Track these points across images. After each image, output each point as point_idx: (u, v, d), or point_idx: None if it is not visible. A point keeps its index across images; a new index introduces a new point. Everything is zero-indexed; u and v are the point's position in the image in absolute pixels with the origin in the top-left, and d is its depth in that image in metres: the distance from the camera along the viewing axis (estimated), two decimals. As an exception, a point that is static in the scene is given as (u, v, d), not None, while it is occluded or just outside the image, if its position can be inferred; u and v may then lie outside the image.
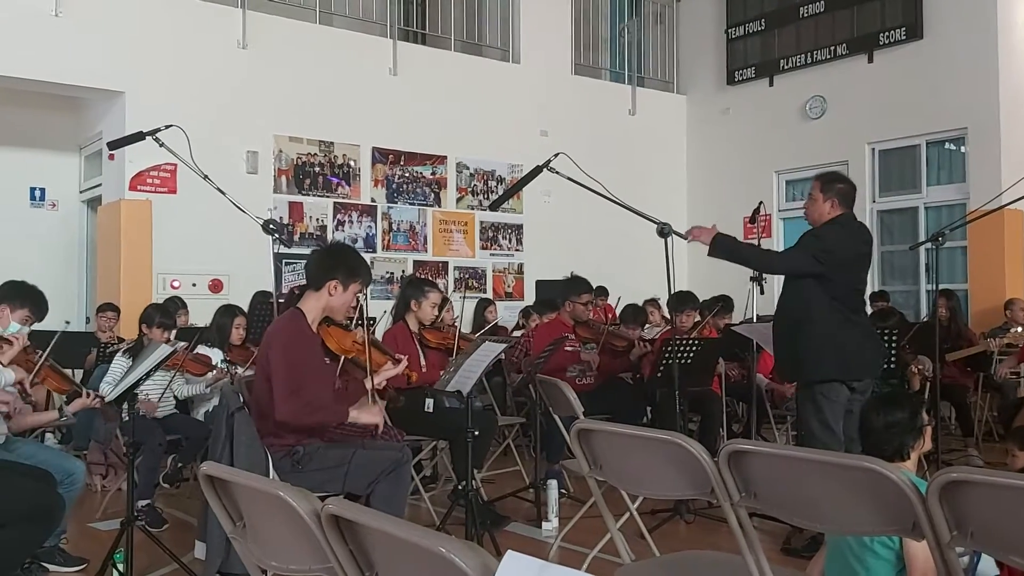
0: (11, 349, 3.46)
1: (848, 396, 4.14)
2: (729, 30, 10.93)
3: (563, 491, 5.11)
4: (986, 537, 1.69)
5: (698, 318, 6.39)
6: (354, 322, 4.12)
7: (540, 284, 9.74)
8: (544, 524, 4.72)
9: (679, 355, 5.10)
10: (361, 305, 4.02)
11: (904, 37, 9.25)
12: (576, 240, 9.80)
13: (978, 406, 7.08)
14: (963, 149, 9.07)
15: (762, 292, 5.54)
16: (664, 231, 4.19)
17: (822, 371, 4.14)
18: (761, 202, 6.49)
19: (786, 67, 10.34)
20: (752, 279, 5.48)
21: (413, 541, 1.28)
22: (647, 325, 7.07)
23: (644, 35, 11.48)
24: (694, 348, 5.49)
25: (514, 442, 6.22)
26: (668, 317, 7.80)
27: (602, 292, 7.98)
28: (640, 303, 7.36)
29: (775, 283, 5.20)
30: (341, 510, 1.45)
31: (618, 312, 7.17)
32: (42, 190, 9.03)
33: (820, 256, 4.13)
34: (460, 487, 4.45)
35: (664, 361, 5.32)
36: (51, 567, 3.86)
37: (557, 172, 4.49)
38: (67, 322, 4.29)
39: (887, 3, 9.42)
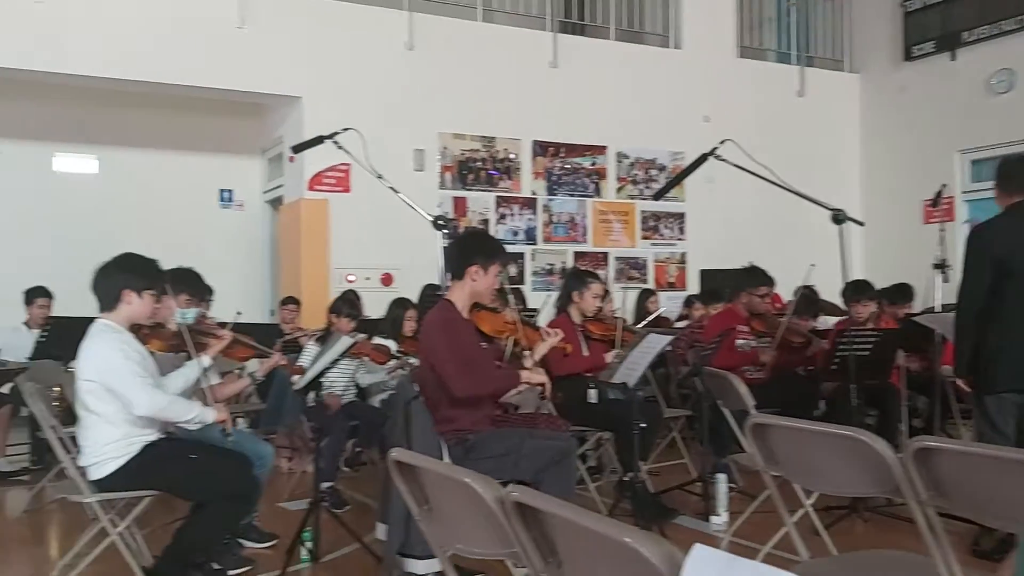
0: (220, 343, 3.74)
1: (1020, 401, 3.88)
2: (906, 2, 10.31)
3: (731, 485, 5.02)
4: None
5: (875, 308, 6.08)
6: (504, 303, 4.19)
7: (705, 274, 9.56)
8: (713, 518, 4.66)
9: (855, 347, 4.88)
10: (520, 292, 4.10)
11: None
12: (742, 228, 9.55)
13: None
14: None
15: (946, 280, 5.22)
16: (839, 217, 4.03)
17: (993, 382, 3.89)
18: (944, 184, 6.11)
19: (969, 39, 9.65)
20: (935, 266, 5.18)
21: (598, 530, 1.32)
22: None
23: (813, 12, 11.01)
24: (871, 339, 5.25)
25: (680, 434, 6.15)
26: (827, 305, 7.48)
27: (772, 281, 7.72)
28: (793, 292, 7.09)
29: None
30: (525, 497, 1.50)
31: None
32: (230, 192, 9.71)
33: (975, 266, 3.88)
34: (626, 479, 4.47)
35: (839, 353, 5.12)
36: (246, 543, 4.17)
37: (723, 159, 4.40)
38: (239, 312, 4.51)
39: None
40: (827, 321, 6.92)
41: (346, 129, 4.60)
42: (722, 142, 4.38)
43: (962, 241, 4.71)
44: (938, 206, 5.90)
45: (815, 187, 4.68)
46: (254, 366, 4.18)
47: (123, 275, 3.45)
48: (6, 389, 4.92)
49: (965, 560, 3.70)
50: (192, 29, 7.77)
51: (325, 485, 4.85)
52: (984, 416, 3.99)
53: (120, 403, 3.33)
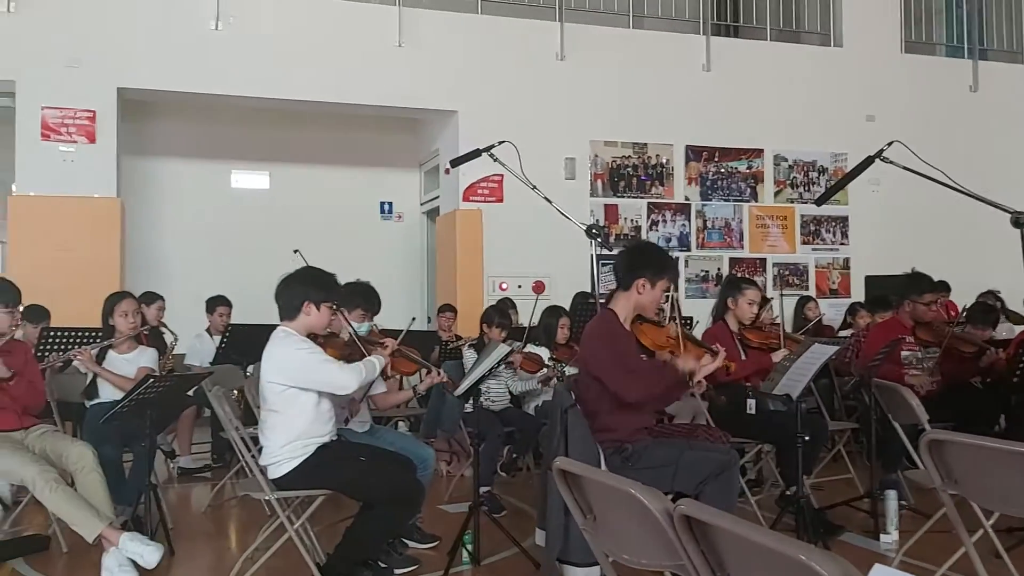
0: (386, 350, 3.92)
1: None
2: (1094, -15, 9.53)
3: (902, 502, 4.77)
4: None
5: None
6: (667, 317, 4.16)
7: (871, 280, 9.14)
8: (882, 536, 4.44)
9: (1040, 358, 4.55)
10: (674, 299, 4.06)
11: None
12: (910, 232, 9.09)
13: None
14: None
15: None
16: (1020, 220, 3.77)
17: None
18: None
19: None
20: None
21: (770, 546, 1.30)
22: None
23: (986, 2, 10.33)
24: (1059, 350, 4.87)
25: (845, 448, 5.90)
26: (1011, 313, 6.99)
27: (943, 288, 7.31)
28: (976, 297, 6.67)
29: None
30: (693, 511, 1.50)
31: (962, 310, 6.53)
32: (390, 204, 10.11)
33: None
34: (790, 493, 4.33)
35: (1021, 364, 4.78)
36: (410, 543, 4.32)
37: (891, 162, 4.20)
38: (413, 318, 4.73)
39: None
40: (1012, 330, 6.46)
41: (501, 142, 4.70)
42: (889, 144, 4.18)
43: None
44: None
45: (992, 188, 4.40)
46: (416, 379, 4.35)
47: (305, 287, 3.66)
48: (191, 392, 5.30)
49: None
50: (354, 49, 8.16)
51: (483, 490, 4.96)
52: None
53: (302, 405, 3.54)
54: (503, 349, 4.14)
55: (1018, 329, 6.50)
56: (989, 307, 6.19)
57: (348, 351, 3.89)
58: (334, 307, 3.74)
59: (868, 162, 4.21)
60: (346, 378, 3.56)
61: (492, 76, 8.54)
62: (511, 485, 5.87)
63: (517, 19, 8.77)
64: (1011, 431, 5.27)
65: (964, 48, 10.18)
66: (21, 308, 4.45)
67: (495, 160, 4.67)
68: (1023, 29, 10.40)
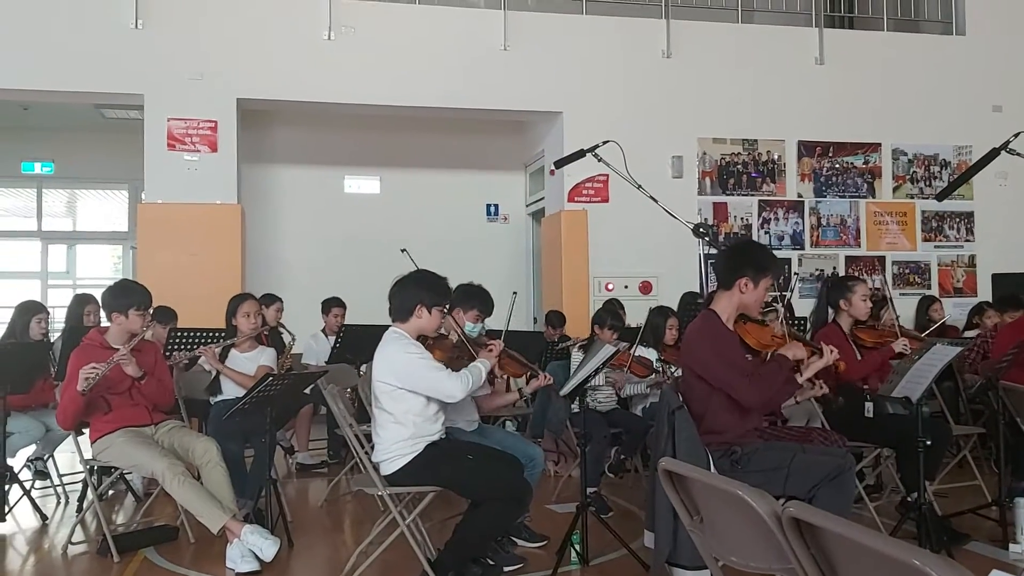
0: (493, 352, 3.96)
1: None
2: None
3: (1034, 512, 4.51)
4: None
5: None
6: (778, 318, 4.07)
7: (998, 278, 8.69)
8: (1012, 546, 4.22)
9: None
10: (787, 300, 3.95)
11: None
12: (1041, 227, 8.60)
13: None
14: None
15: None
16: None
17: None
18: None
19: None
20: None
21: (882, 550, 1.26)
22: None
23: None
24: None
25: (971, 454, 5.63)
26: None
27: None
28: None
29: None
30: (802, 513, 1.47)
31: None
32: (496, 206, 10.22)
33: None
34: (911, 499, 4.17)
35: None
36: (519, 541, 4.36)
37: (1018, 153, 4.00)
38: (515, 292, 4.69)
39: None
40: None
41: (605, 142, 4.68)
42: (1016, 135, 3.98)
43: None
44: None
45: None
46: (523, 381, 4.38)
47: (418, 290, 3.75)
48: (307, 390, 5.49)
49: None
50: (461, 54, 8.29)
51: (590, 490, 4.95)
52: None
53: (411, 404, 3.62)
54: (609, 350, 4.12)
55: None
56: None
57: (456, 352, 3.95)
58: (445, 311, 3.81)
59: (993, 154, 4.04)
60: (452, 386, 3.62)
61: (596, 76, 8.52)
62: (619, 487, 5.84)
63: (623, 18, 8.73)
64: None
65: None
66: (151, 310, 4.69)
67: (599, 160, 4.66)
68: None
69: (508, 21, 8.36)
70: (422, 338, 3.79)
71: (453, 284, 4.49)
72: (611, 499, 5.37)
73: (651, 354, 5.78)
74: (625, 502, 5.43)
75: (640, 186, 4.60)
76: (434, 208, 9.77)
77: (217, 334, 5.31)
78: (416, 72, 8.21)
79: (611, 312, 5.77)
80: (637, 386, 5.68)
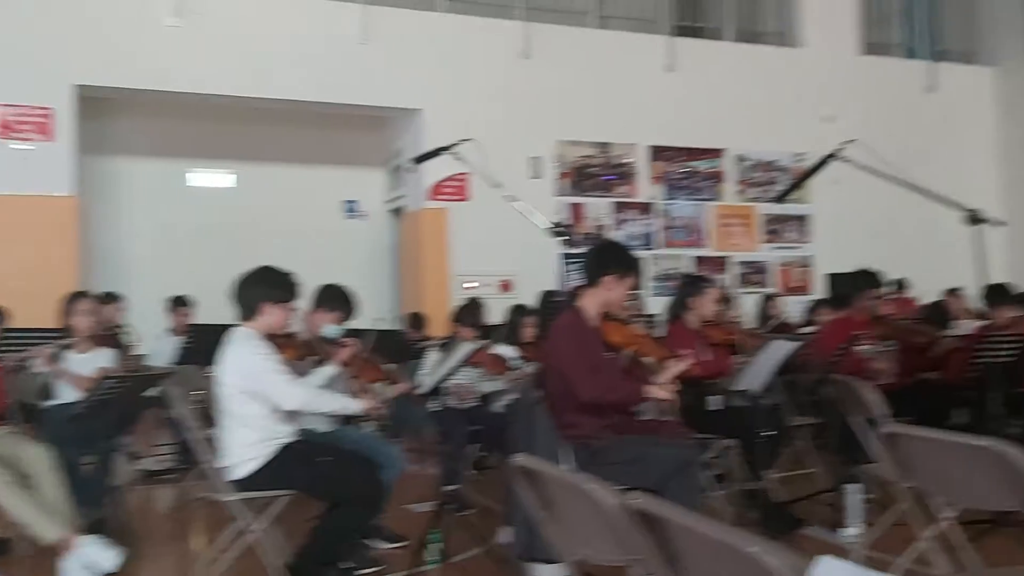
0: (345, 351, 3.90)
1: None
2: (1047, -12, 9.74)
3: (864, 496, 4.84)
4: None
5: (1018, 312, 5.75)
6: (633, 316, 4.19)
7: (832, 278, 9.28)
8: (844, 529, 4.50)
9: (996, 353, 4.64)
10: (639, 298, 4.08)
11: None
12: (871, 230, 9.22)
13: None
14: None
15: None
16: (975, 218, 3.86)
17: None
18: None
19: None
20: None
21: (721, 539, 1.32)
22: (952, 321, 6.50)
23: (943, 4, 10.52)
24: (1014, 345, 4.97)
25: (809, 443, 5.98)
26: (972, 310, 7.12)
27: (901, 285, 7.45)
28: (940, 295, 6.80)
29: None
30: (647, 506, 1.51)
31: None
32: (355, 202, 10.06)
33: None
34: (751, 488, 4.38)
35: (978, 360, 4.87)
36: (376, 543, 4.30)
37: (848, 160, 4.28)
38: (381, 318, 4.74)
39: None
40: (967, 326, 6.59)
41: (465, 140, 4.70)
42: (847, 142, 4.26)
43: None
44: (1087, 203, 5.52)
45: (949, 187, 4.50)
46: (381, 387, 4.33)
47: (262, 288, 3.64)
48: (153, 393, 5.26)
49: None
50: (317, 47, 8.10)
51: (450, 488, 4.95)
52: None
53: (259, 406, 3.51)
54: (467, 347, 4.14)
55: (973, 325, 6.61)
56: (940, 307, 6.31)
57: (305, 351, 3.87)
58: (293, 308, 3.71)
59: (825, 161, 4.30)
60: (290, 395, 3.52)
61: (456, 74, 8.53)
62: (481, 483, 5.86)
63: (482, 18, 8.77)
64: (969, 425, 5.37)
65: (921, 49, 10.35)
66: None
67: (458, 158, 4.68)
68: (978, 30, 10.58)
69: (367, 15, 8.24)
70: (271, 337, 3.68)
71: (311, 282, 4.40)
72: (473, 497, 5.38)
73: (509, 351, 5.84)
74: (488, 499, 5.45)
75: (498, 184, 4.65)
76: (291, 203, 9.51)
77: (51, 334, 4.98)
78: (270, 63, 7.97)
79: (471, 310, 5.78)
80: (496, 383, 5.72)
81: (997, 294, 5.53)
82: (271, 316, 3.63)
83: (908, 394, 5.41)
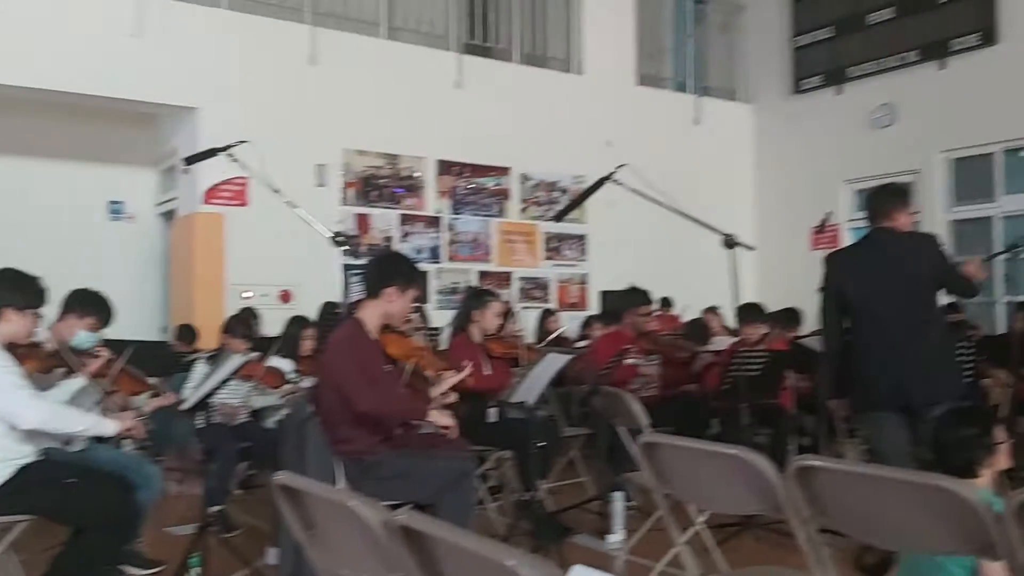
0: (97, 361, 3.59)
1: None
2: (796, 38, 10.79)
3: (630, 503, 5.08)
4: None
5: (766, 330, 6.29)
6: (415, 328, 4.18)
7: (605, 295, 9.73)
8: (609, 537, 4.70)
9: (746, 367, 5.04)
10: (423, 311, 4.08)
11: (978, 43, 9.01)
12: (641, 250, 9.75)
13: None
14: (1041, 156, 8.79)
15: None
16: (729, 242, 4.17)
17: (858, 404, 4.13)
18: (829, 212, 6.39)
19: (854, 75, 10.15)
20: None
21: (481, 553, 1.31)
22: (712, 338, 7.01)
23: (708, 44, 11.40)
24: (761, 360, 5.42)
25: (581, 453, 6.21)
26: (728, 327, 7.73)
27: (667, 303, 7.94)
28: (700, 312, 7.33)
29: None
30: (411, 522, 1.48)
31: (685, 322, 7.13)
32: (121, 203, 9.37)
33: None
34: (525, 498, 4.47)
35: (731, 373, 5.27)
36: (131, 570, 3.99)
37: (621, 183, 4.50)
38: (164, 328, 4.41)
39: (960, 8, 9.19)
40: (723, 342, 7.13)
41: (241, 142, 4.51)
42: (620, 166, 4.47)
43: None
44: (824, 232, 6.15)
45: (710, 213, 4.83)
46: (142, 400, 4.04)
47: (3, 292, 3.28)
48: None
49: None
50: (83, 36, 7.49)
51: (214, 508, 4.69)
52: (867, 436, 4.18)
53: (-6, 424, 3.16)
54: (237, 360, 3.95)
55: (728, 341, 7.16)
56: (702, 325, 6.80)
57: (50, 363, 3.54)
58: (38, 314, 3.38)
59: (600, 183, 4.50)
60: (28, 414, 3.21)
61: (237, 74, 8.16)
62: (249, 503, 5.61)
63: (266, 19, 8.45)
64: (722, 434, 5.79)
65: (689, 84, 11.15)
66: None
67: (234, 160, 4.48)
68: (740, 70, 11.54)
69: (141, 6, 7.71)
70: (12, 347, 3.33)
71: (69, 288, 4.04)
72: (240, 517, 5.14)
73: (287, 365, 5.64)
74: (254, 519, 5.22)
75: (277, 190, 4.49)
76: (48, 203, 8.69)
77: None
78: (30, 49, 7.27)
79: (243, 321, 5.53)
80: (271, 397, 5.51)
81: (748, 313, 6.01)
82: (12, 324, 3.29)
83: (670, 405, 5.78)
